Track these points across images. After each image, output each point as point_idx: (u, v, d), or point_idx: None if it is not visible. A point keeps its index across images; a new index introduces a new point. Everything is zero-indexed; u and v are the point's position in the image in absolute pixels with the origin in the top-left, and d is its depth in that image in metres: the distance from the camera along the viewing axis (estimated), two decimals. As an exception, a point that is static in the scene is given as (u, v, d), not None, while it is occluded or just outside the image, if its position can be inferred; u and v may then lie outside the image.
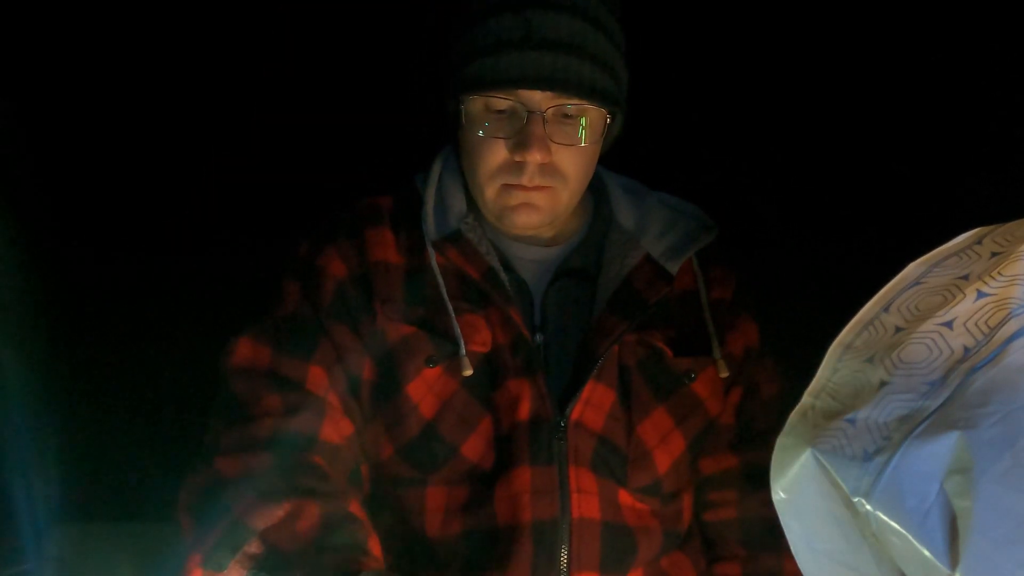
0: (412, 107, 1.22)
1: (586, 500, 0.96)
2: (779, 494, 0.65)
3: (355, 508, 0.93)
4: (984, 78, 1.47)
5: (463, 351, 0.98)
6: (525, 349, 0.99)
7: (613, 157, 1.20)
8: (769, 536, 0.98)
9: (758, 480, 0.86)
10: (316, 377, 0.97)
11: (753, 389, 1.09)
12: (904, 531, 0.54)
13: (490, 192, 1.01)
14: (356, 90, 1.66)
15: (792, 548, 0.66)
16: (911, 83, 1.54)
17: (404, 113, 1.53)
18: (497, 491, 0.96)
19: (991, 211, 0.70)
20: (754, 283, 1.17)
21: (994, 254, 0.63)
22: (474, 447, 0.98)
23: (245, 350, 0.99)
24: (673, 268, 1.05)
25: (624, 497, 0.99)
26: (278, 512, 0.87)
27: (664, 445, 1.02)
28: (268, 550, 0.85)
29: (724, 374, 1.04)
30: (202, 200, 1.68)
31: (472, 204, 1.07)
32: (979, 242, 0.65)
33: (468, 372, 0.97)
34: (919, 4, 1.51)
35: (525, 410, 0.97)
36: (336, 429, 0.96)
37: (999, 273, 0.61)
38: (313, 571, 0.84)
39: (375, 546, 0.91)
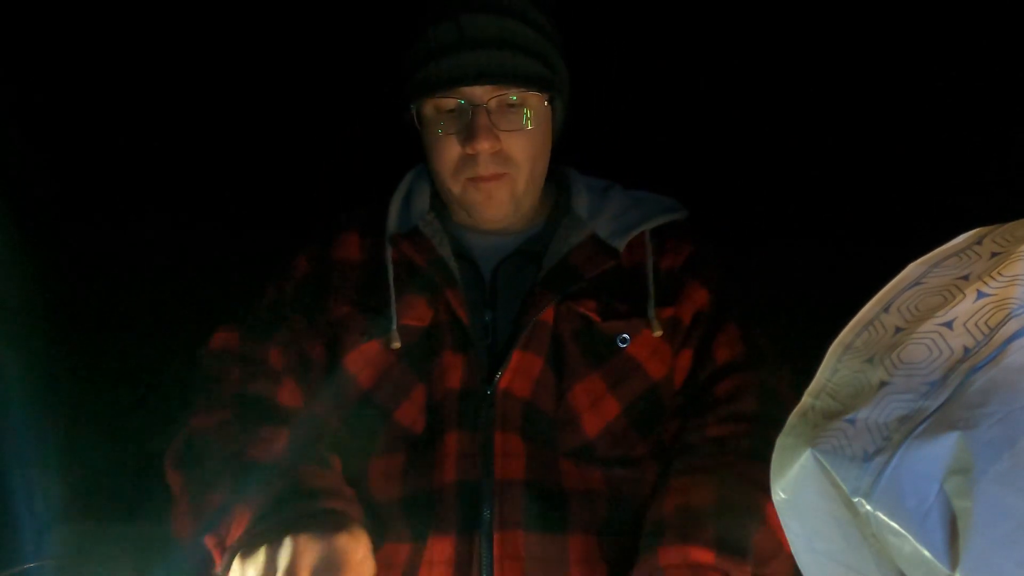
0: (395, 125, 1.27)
1: (510, 463, 1.00)
2: (779, 494, 0.65)
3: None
4: (983, 78, 1.47)
5: (394, 325, 1.07)
6: (459, 327, 1.06)
7: (604, 157, 1.23)
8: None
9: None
10: (275, 357, 1.08)
11: (708, 353, 1.10)
12: (904, 531, 0.54)
13: (456, 189, 1.12)
14: (380, 98, 1.67)
15: (792, 548, 0.66)
16: (910, 82, 1.54)
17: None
18: (431, 456, 1.01)
19: (991, 211, 0.70)
20: (718, 250, 1.19)
21: (994, 254, 0.63)
22: (406, 413, 1.05)
23: (218, 338, 1.12)
24: (619, 244, 1.13)
25: (563, 462, 1.02)
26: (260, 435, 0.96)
27: (594, 409, 1.05)
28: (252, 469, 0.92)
29: (657, 333, 1.08)
30: (209, 200, 1.68)
31: (436, 203, 1.19)
32: (979, 242, 0.65)
33: (396, 345, 1.06)
34: (919, 2, 1.51)
35: (456, 381, 1.04)
36: (292, 398, 1.05)
37: (999, 273, 0.61)
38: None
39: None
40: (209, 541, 0.89)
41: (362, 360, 1.07)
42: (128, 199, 1.68)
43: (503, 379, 1.03)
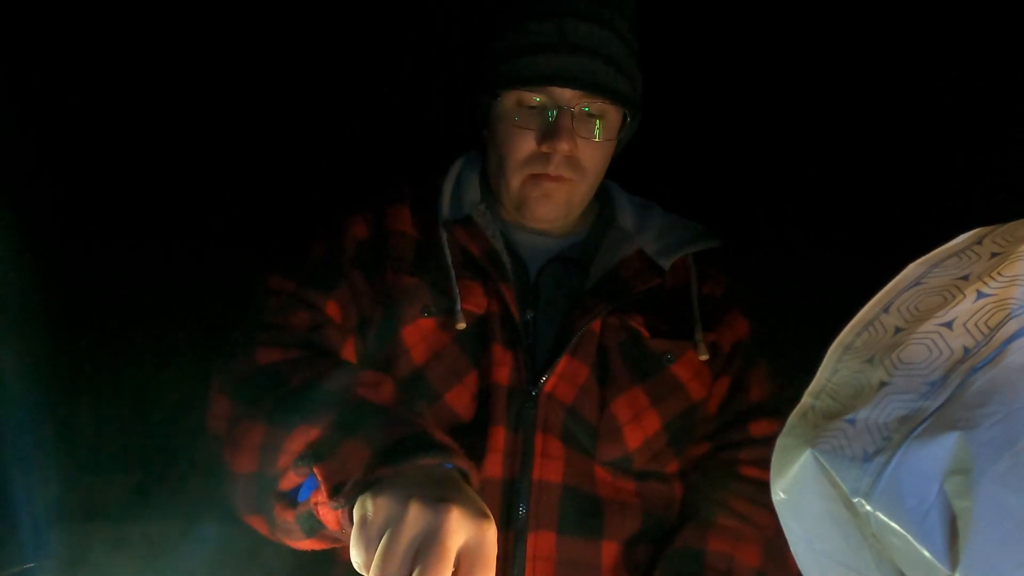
0: (433, 116, 1.28)
1: (549, 464, 1.01)
2: (779, 494, 0.65)
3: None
4: (984, 78, 1.47)
5: (459, 306, 1.07)
6: (511, 323, 1.08)
7: (618, 162, 1.25)
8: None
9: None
10: (334, 310, 1.05)
11: (743, 386, 1.13)
12: (904, 531, 0.54)
13: (516, 181, 1.13)
14: (379, 98, 1.67)
15: (792, 548, 0.66)
16: (910, 83, 1.54)
17: (424, 120, 1.55)
18: (477, 449, 1.01)
19: (991, 211, 0.70)
20: (754, 284, 1.20)
21: (994, 254, 0.63)
22: (458, 397, 1.04)
23: (274, 280, 1.09)
24: (665, 263, 1.14)
25: (598, 470, 1.04)
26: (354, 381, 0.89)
27: (636, 422, 1.06)
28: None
29: (704, 356, 1.10)
30: (208, 200, 1.68)
31: (485, 196, 1.19)
32: (979, 242, 0.65)
33: (461, 325, 1.06)
34: (918, 3, 1.51)
35: (505, 377, 1.05)
36: (351, 356, 1.05)
37: (999, 273, 0.60)
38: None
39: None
40: (320, 471, 0.80)
41: (418, 334, 1.06)
42: (127, 202, 1.68)
43: (548, 382, 1.05)
